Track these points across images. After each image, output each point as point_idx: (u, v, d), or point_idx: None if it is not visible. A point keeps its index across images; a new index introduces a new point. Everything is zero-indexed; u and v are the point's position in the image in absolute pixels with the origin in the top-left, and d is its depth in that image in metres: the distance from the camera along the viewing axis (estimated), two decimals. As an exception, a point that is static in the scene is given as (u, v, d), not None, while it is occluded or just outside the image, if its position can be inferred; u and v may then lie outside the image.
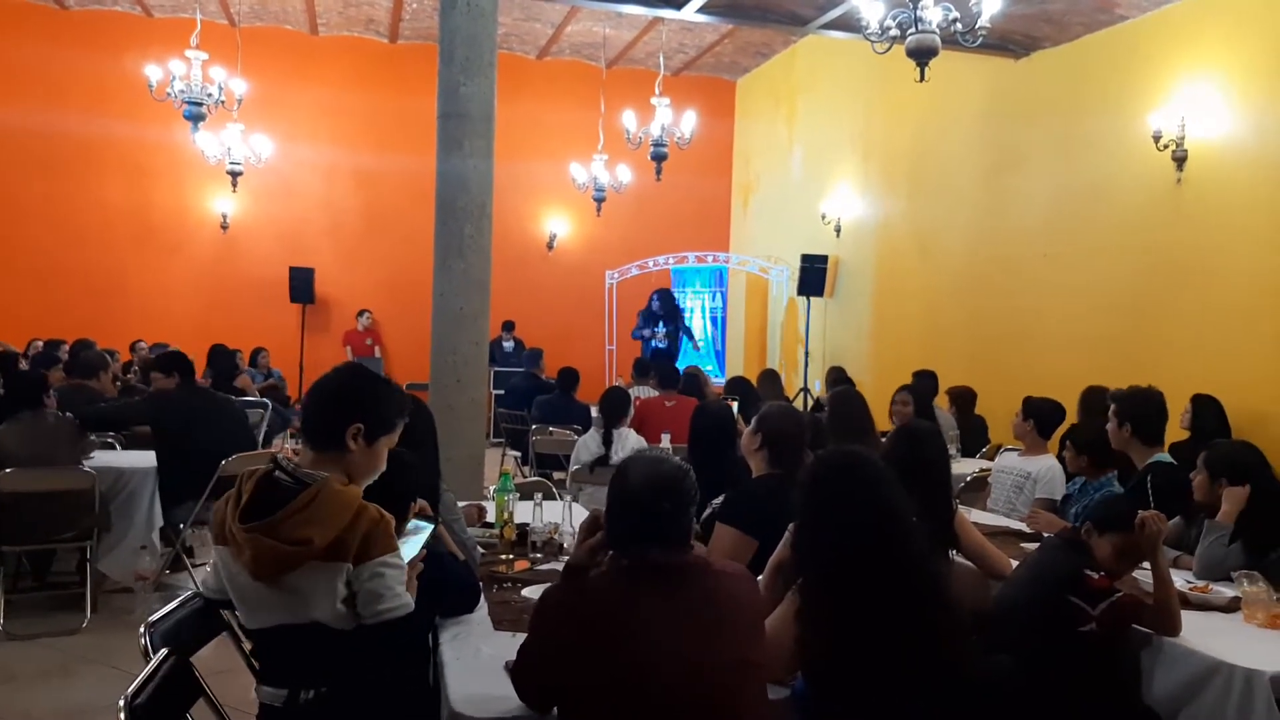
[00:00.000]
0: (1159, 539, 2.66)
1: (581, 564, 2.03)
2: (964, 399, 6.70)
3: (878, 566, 2.12)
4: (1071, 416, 4.62)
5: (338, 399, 2.11)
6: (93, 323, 10.16)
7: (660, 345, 10.81)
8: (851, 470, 2.24)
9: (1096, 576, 2.58)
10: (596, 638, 1.86)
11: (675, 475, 2.01)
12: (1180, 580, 3.06)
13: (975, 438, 6.47)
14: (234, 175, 9.68)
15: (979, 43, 5.08)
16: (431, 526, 2.28)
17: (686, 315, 12.41)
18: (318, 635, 1.97)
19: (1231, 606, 2.84)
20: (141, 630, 2.23)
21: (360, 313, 12.01)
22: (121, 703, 1.87)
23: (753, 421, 3.13)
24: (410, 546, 2.16)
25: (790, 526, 2.36)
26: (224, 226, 11.72)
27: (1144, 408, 3.86)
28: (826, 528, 2.17)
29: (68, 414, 4.95)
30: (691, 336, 11.33)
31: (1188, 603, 2.87)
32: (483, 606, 2.71)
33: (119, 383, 7.08)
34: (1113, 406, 3.91)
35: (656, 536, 1.95)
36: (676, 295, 12.57)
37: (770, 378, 7.88)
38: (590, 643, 1.86)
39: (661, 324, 10.88)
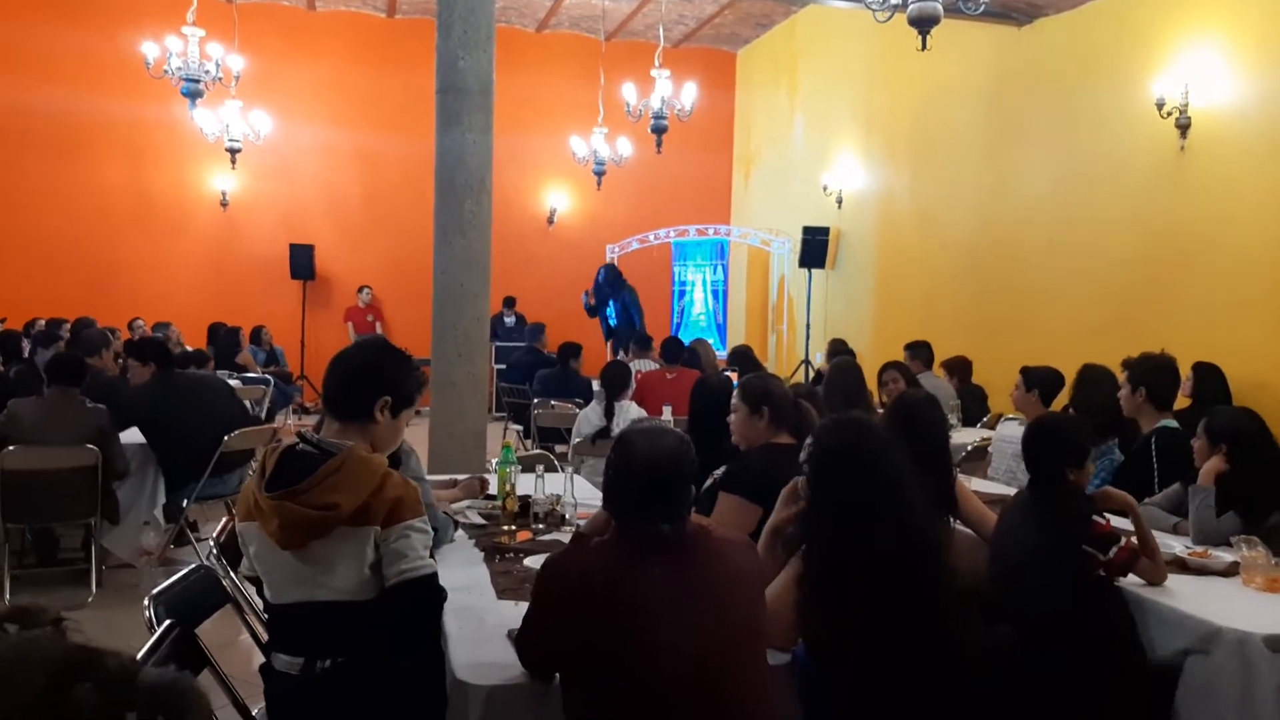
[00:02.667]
0: (1122, 497, 2.76)
1: (586, 532, 2.06)
2: (960, 369, 6.71)
3: (880, 534, 2.14)
4: (1067, 391, 4.62)
5: (369, 373, 2.17)
6: (93, 302, 10.17)
7: (613, 322, 10.67)
8: (858, 439, 2.25)
9: (1103, 522, 2.65)
10: (598, 606, 1.88)
11: (676, 447, 2.03)
12: (1179, 545, 3.08)
13: (975, 406, 6.48)
14: (233, 152, 9.64)
15: (981, 10, 5.03)
16: None
17: (687, 288, 12.39)
18: (339, 608, 2.00)
19: (1230, 571, 2.85)
20: (146, 602, 2.25)
21: (361, 289, 12.00)
22: (127, 673, 1.88)
23: (738, 402, 3.14)
24: None
25: (782, 491, 2.38)
26: (224, 204, 11.69)
27: (1157, 373, 3.89)
28: (831, 497, 2.19)
29: (102, 406, 4.89)
30: (637, 315, 10.86)
31: (1186, 567, 2.89)
32: (485, 575, 2.74)
33: (119, 360, 7.08)
34: (1126, 372, 3.91)
35: (656, 507, 1.96)
36: (678, 269, 12.54)
37: (743, 355, 7.81)
38: (592, 611, 1.88)
39: (611, 301, 10.69)
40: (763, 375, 3.41)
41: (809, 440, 2.33)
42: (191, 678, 0.83)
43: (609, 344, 10.82)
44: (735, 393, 3.22)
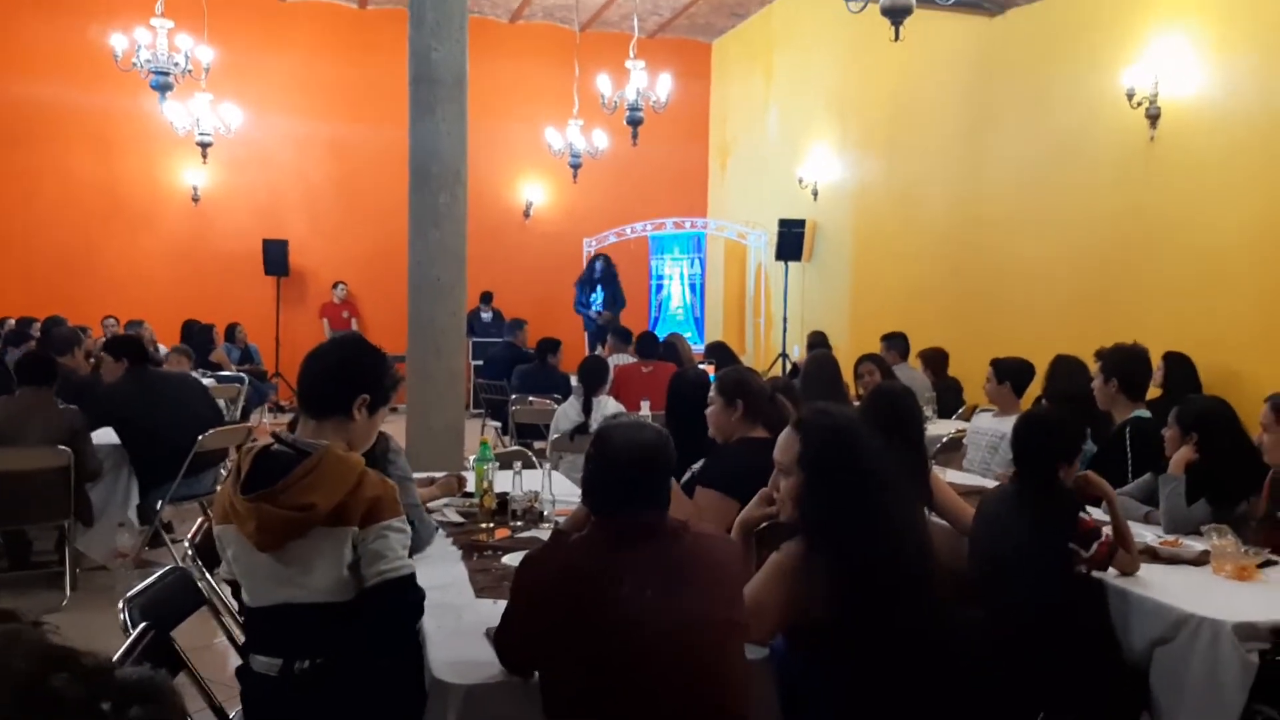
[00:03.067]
0: (1103, 485, 2.80)
1: (565, 529, 2.07)
2: (936, 360, 6.75)
3: (866, 525, 2.15)
4: (1039, 380, 4.66)
5: (347, 370, 2.15)
6: (63, 299, 10.05)
7: (600, 311, 10.69)
8: (849, 429, 2.26)
9: (1088, 519, 2.69)
10: (577, 600, 1.88)
11: (654, 439, 2.04)
12: (1151, 535, 3.12)
13: (950, 398, 6.53)
14: (203, 146, 9.55)
15: (953, 1, 5.06)
16: None
17: (665, 282, 12.39)
18: (317, 610, 2.00)
19: (1201, 560, 2.89)
20: (120, 605, 2.23)
21: (336, 284, 11.93)
22: (101, 677, 1.86)
23: (714, 394, 3.16)
24: None
25: (759, 493, 2.40)
26: (195, 199, 11.58)
27: (1130, 363, 3.93)
28: (827, 488, 2.20)
29: (74, 407, 4.84)
30: (621, 304, 10.93)
31: (1158, 557, 2.93)
32: (463, 574, 2.73)
33: (92, 359, 7.00)
34: (1099, 363, 3.95)
35: (636, 501, 1.98)
36: (655, 263, 12.53)
37: (719, 349, 7.84)
38: (571, 605, 1.88)
39: (600, 290, 10.73)
40: (739, 368, 3.43)
41: (791, 434, 2.32)
42: (166, 675, 0.85)
43: (588, 336, 10.83)
44: (712, 385, 3.23)
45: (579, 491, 3.67)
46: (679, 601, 1.89)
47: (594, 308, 10.76)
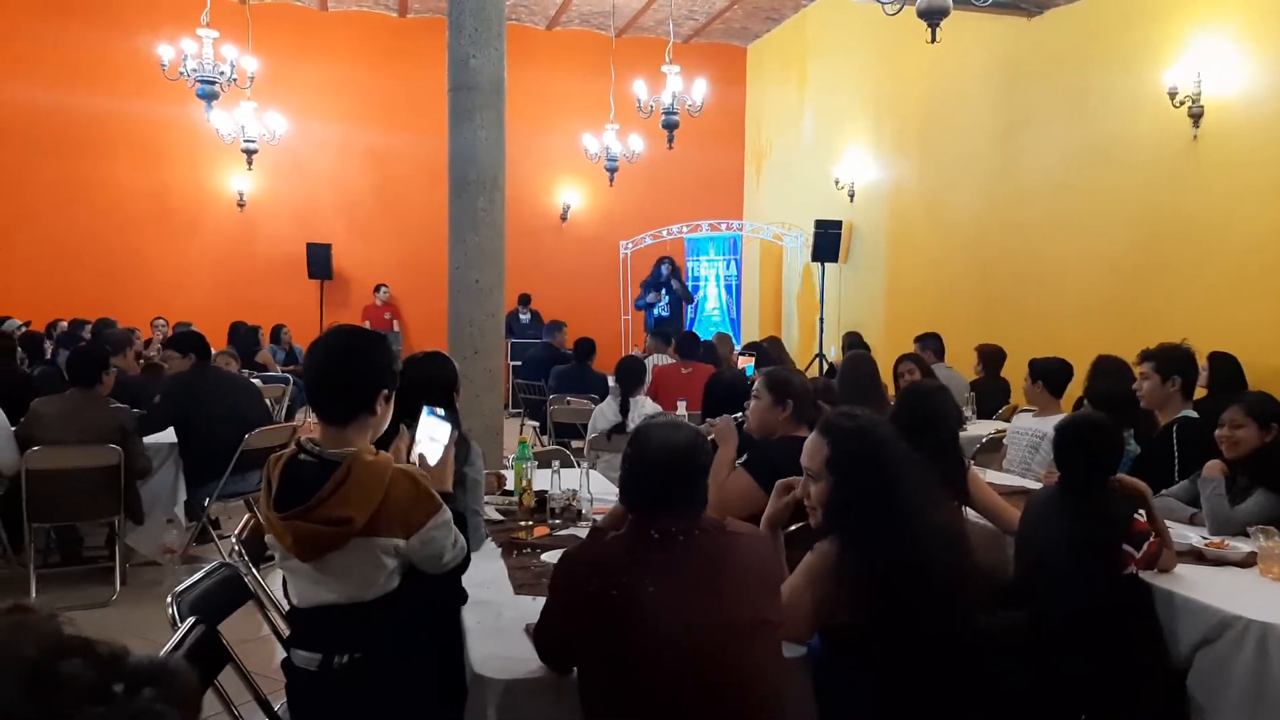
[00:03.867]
0: (1137, 484, 2.76)
1: (603, 526, 2.07)
2: (991, 358, 6.63)
3: (894, 528, 2.13)
4: (1078, 379, 4.58)
5: (365, 371, 2.08)
6: (112, 303, 10.25)
7: (664, 314, 10.78)
8: (863, 437, 2.24)
9: (1140, 520, 2.67)
10: (614, 598, 1.88)
11: (690, 440, 2.04)
12: (1196, 536, 3.05)
13: (997, 399, 6.44)
14: (249, 153, 9.69)
15: (990, 2, 5.00)
16: (442, 413, 2.25)
17: (701, 284, 12.38)
18: (356, 608, 2.01)
19: (1248, 561, 2.83)
20: (169, 600, 2.26)
21: (378, 287, 12.04)
22: (151, 670, 1.89)
23: (762, 389, 3.15)
24: (436, 431, 2.19)
25: (777, 484, 2.39)
26: (240, 204, 11.75)
27: (1186, 363, 3.87)
28: (858, 487, 2.18)
29: (125, 406, 4.90)
30: (690, 299, 11.24)
31: (1204, 558, 2.87)
32: (503, 571, 2.74)
33: (141, 360, 7.14)
34: (1151, 364, 3.88)
35: (671, 500, 1.98)
36: (691, 264, 12.54)
37: (775, 344, 7.86)
38: (608, 602, 1.88)
39: (665, 290, 10.84)
40: (786, 369, 3.43)
41: (818, 438, 2.30)
42: (181, 659, 0.86)
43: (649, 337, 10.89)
44: (760, 380, 3.21)
45: (616, 490, 3.70)
46: (711, 600, 1.88)
47: (657, 310, 10.83)
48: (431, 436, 2.21)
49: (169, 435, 5.06)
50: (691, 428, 2.12)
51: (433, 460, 2.17)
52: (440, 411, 2.25)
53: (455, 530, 2.09)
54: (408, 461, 2.14)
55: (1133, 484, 2.77)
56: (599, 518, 3.29)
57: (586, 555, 2.01)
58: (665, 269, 10.94)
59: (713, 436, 3.24)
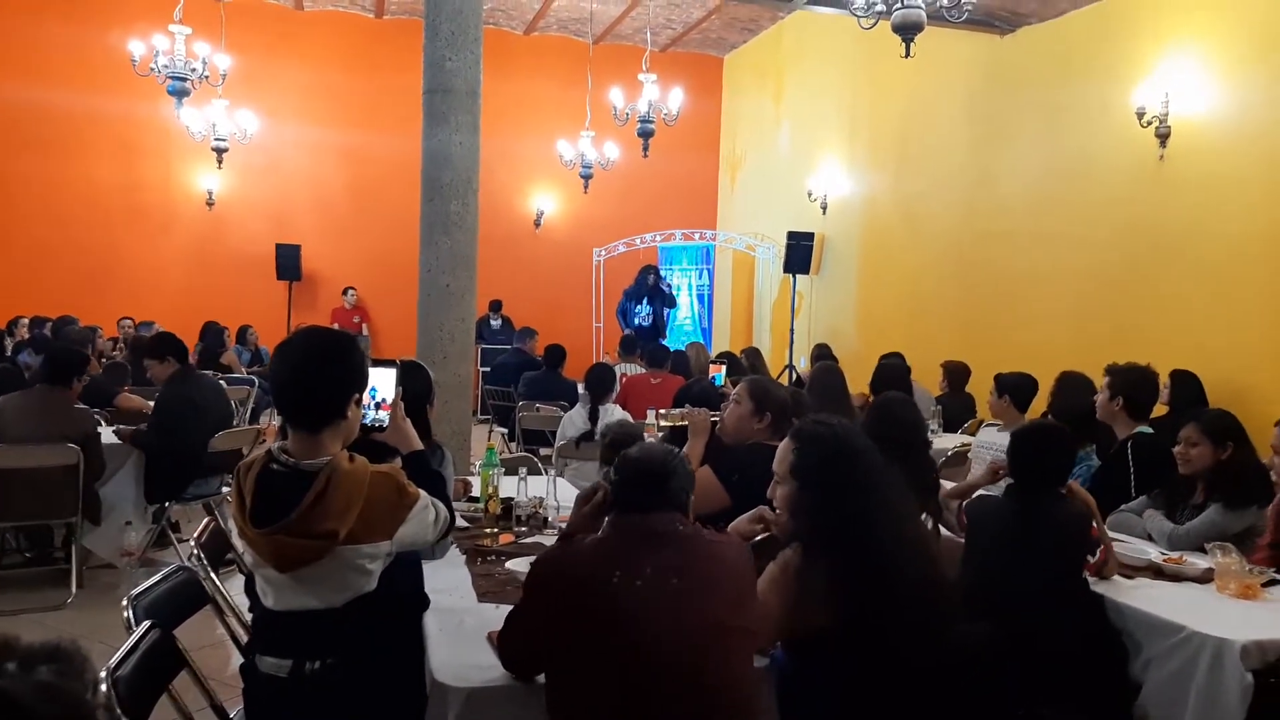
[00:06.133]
0: (1082, 492, 2.84)
1: (577, 530, 2.09)
2: (956, 374, 6.73)
3: (860, 536, 2.14)
4: (1043, 394, 4.65)
5: (338, 376, 2.03)
6: (79, 301, 10.10)
7: (644, 324, 10.79)
8: (831, 444, 2.25)
9: (1095, 528, 2.71)
10: (588, 599, 1.88)
11: (668, 450, 2.13)
12: (1154, 552, 3.10)
13: (963, 414, 6.51)
14: (219, 152, 9.60)
15: (964, 18, 5.07)
16: (394, 364, 2.23)
17: (674, 293, 12.41)
18: (335, 613, 1.98)
19: (1205, 577, 2.87)
20: (125, 603, 2.23)
21: (346, 290, 11.95)
22: (104, 674, 1.86)
23: (744, 396, 3.17)
24: (381, 376, 2.18)
25: (752, 512, 2.41)
26: (210, 203, 11.63)
27: (1138, 386, 3.91)
28: (827, 496, 2.19)
29: (89, 409, 4.84)
30: (674, 304, 11.28)
31: (1162, 573, 2.91)
32: (466, 578, 2.73)
33: (104, 360, 7.04)
34: (1107, 379, 3.94)
35: (653, 504, 2.00)
36: (664, 273, 12.57)
37: (754, 354, 7.91)
38: (582, 604, 1.88)
39: (647, 300, 10.85)
40: (766, 379, 3.46)
41: (788, 444, 2.32)
42: (74, 640, 0.92)
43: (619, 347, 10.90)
44: (742, 387, 3.23)
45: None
46: (687, 605, 1.88)
47: (636, 320, 10.81)
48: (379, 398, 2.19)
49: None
50: (670, 446, 2.17)
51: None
52: (382, 364, 2.20)
53: (435, 506, 2.08)
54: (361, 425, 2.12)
55: (1080, 493, 2.81)
56: (565, 524, 3.28)
57: (565, 555, 2.01)
58: (650, 278, 10.91)
59: (690, 419, 3.26)
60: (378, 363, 2.18)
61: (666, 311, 11.14)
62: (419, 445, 2.23)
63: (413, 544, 2.05)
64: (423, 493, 2.05)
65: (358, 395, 2.05)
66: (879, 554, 2.12)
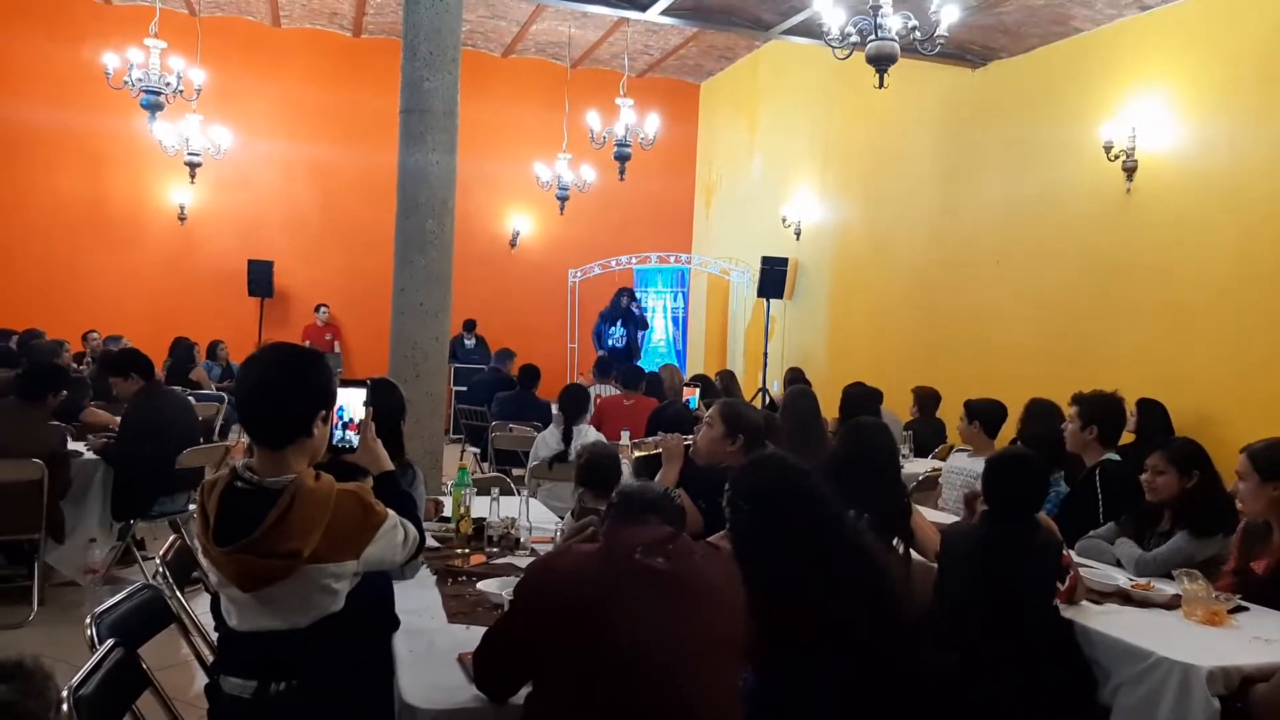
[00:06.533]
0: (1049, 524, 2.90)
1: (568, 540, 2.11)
2: (927, 399, 6.78)
3: (823, 564, 2.16)
4: (1013, 420, 4.70)
5: (302, 392, 2.01)
6: (47, 314, 9.94)
7: (618, 346, 10.80)
8: (781, 474, 2.30)
9: (1067, 554, 2.75)
10: (578, 607, 1.87)
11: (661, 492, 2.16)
12: (1123, 578, 3.13)
13: (933, 440, 6.55)
14: (192, 166, 9.52)
15: (937, 51, 5.14)
16: (365, 385, 2.22)
17: (648, 315, 12.43)
18: (301, 633, 1.95)
19: (1173, 604, 2.89)
20: (88, 621, 2.18)
21: (318, 307, 11.87)
22: (66, 693, 1.82)
23: (717, 419, 3.19)
24: (352, 404, 2.17)
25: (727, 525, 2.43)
26: (181, 218, 11.52)
27: (1109, 413, 3.96)
28: (767, 537, 2.22)
29: (61, 425, 4.77)
30: (646, 325, 11.32)
31: (1130, 599, 2.94)
32: (436, 599, 2.70)
33: (70, 373, 6.90)
34: (1076, 408, 3.98)
35: (647, 520, 2.01)
36: (639, 295, 12.59)
37: (728, 377, 7.93)
38: (572, 612, 1.87)
39: (621, 323, 10.87)
40: (739, 402, 3.50)
41: (727, 487, 2.36)
42: (36, 657, 0.92)
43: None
44: (715, 410, 3.25)
45: (557, 520, 3.68)
46: (681, 615, 1.88)
47: (610, 341, 10.80)
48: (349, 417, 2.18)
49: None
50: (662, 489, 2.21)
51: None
52: (351, 384, 2.20)
53: (404, 526, 2.05)
54: (331, 446, 2.11)
55: (1046, 522, 2.85)
56: (537, 546, 3.27)
57: (559, 563, 2.02)
58: (624, 300, 10.94)
59: (664, 445, 3.27)
60: (347, 383, 2.18)
61: (640, 334, 11.16)
62: (389, 466, 2.21)
63: (380, 564, 2.03)
64: (391, 512, 2.03)
65: (324, 412, 2.03)
66: (832, 582, 2.14)
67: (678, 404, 5.11)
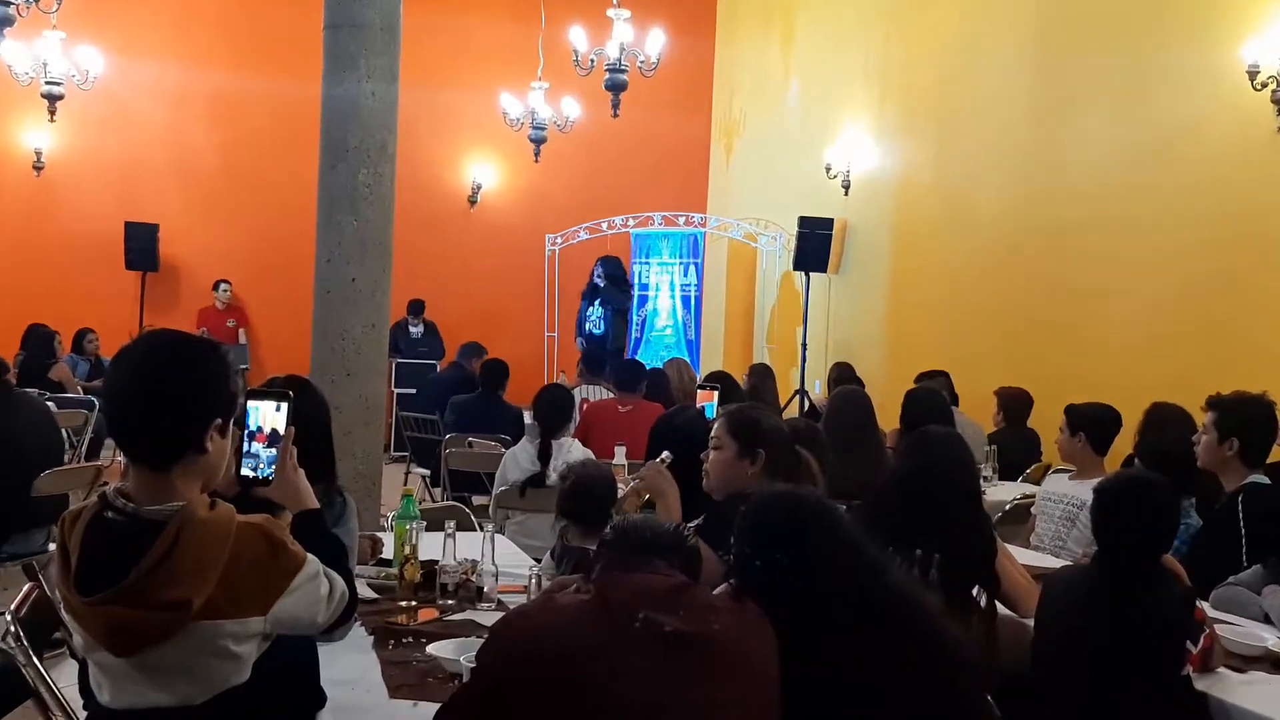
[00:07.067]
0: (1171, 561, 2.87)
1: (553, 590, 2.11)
2: (1015, 404, 6.76)
3: (846, 622, 2.17)
4: (1130, 431, 4.70)
5: (193, 391, 1.99)
6: None
7: (595, 330, 10.79)
8: (789, 517, 2.29)
9: (1199, 608, 2.76)
10: (564, 683, 1.87)
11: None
12: (1273, 638, 3.12)
13: (1024, 455, 6.55)
14: (51, 99, 9.52)
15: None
16: (286, 398, 2.23)
17: (650, 295, 12.41)
18: (196, 713, 1.94)
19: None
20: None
21: (218, 284, 11.87)
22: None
23: (724, 436, 3.18)
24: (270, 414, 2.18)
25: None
26: (37, 166, 11.54)
27: (1255, 423, 3.93)
28: (776, 593, 2.22)
29: None
30: (625, 305, 11.23)
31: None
32: (374, 666, 2.71)
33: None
34: (1212, 415, 3.97)
35: (654, 562, 2.03)
36: (637, 269, 12.56)
37: (762, 375, 7.90)
38: (555, 689, 1.87)
39: (598, 301, 10.84)
40: (754, 407, 3.44)
41: (737, 520, 2.37)
42: None
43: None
44: (720, 424, 3.24)
45: (532, 563, 3.69)
46: (704, 696, 1.89)
47: (588, 325, 10.81)
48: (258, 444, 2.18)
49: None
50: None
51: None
52: (267, 398, 2.20)
53: (329, 577, 2.05)
54: (238, 474, 2.12)
55: (1172, 565, 2.84)
56: (504, 598, 3.27)
57: (535, 621, 2.02)
58: (598, 270, 10.92)
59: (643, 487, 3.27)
60: (259, 394, 2.18)
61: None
62: (313, 503, 2.21)
63: (296, 624, 2.02)
64: (312, 558, 2.03)
65: (220, 421, 2.02)
66: (860, 644, 2.15)
67: (690, 410, 5.06)
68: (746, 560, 2.27)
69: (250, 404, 2.15)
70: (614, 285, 11.04)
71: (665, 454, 3.36)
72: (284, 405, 2.19)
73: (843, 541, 2.27)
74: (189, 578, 1.87)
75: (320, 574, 2.04)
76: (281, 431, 2.18)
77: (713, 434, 3.25)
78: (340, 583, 2.09)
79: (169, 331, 2.11)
